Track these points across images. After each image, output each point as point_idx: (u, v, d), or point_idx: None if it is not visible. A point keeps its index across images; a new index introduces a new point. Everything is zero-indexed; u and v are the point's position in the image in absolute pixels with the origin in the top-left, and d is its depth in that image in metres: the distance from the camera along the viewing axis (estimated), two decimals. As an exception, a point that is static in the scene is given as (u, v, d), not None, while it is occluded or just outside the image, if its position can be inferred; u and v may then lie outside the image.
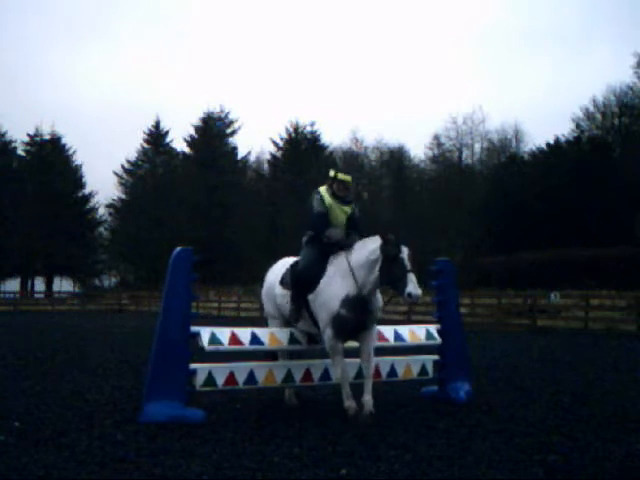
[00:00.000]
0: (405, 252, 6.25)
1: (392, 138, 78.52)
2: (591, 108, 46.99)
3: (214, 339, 6.51)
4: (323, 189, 6.91)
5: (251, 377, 6.62)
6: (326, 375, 7.01)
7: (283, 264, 7.29)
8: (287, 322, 7.11)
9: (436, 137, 55.22)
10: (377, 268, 6.33)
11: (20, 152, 58.69)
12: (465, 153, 56.34)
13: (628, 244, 34.60)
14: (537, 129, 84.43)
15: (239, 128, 60.14)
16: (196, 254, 6.64)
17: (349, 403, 6.39)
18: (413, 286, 6.08)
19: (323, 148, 58.66)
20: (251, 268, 54.17)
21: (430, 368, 7.58)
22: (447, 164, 55.37)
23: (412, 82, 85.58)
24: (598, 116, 47.09)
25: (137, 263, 57.99)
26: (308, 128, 58.09)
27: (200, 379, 6.36)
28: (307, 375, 6.93)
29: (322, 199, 6.83)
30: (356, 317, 6.39)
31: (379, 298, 6.74)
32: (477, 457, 5.02)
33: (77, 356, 12.22)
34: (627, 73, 58.89)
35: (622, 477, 4.62)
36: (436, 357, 7.62)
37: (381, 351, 7.26)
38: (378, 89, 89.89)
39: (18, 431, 5.77)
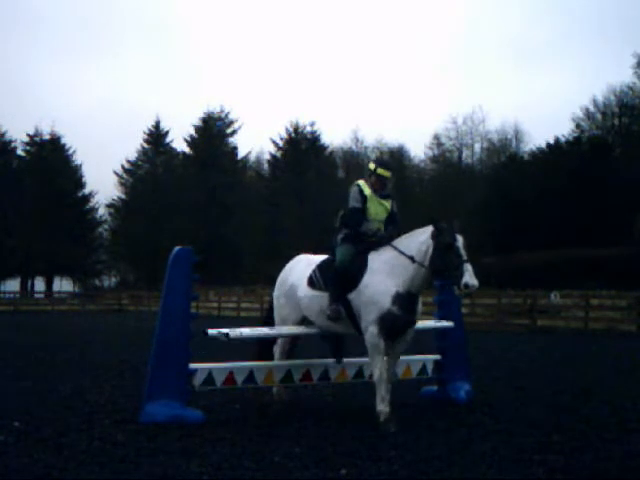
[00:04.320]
0: (460, 240, 5.98)
1: (392, 138, 78.51)
2: (591, 108, 47.03)
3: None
4: (363, 182, 6.59)
5: (251, 377, 6.61)
6: (325, 375, 6.99)
7: (307, 263, 6.89)
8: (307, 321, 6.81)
9: (436, 137, 55.30)
10: (428, 260, 6.06)
11: (20, 152, 58.76)
12: (465, 153, 56.40)
13: (628, 244, 34.59)
14: (537, 129, 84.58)
15: (239, 128, 60.22)
16: (196, 254, 6.63)
17: (382, 407, 6.08)
18: (470, 276, 5.80)
19: (323, 148, 58.67)
20: (251, 268, 54.31)
21: (430, 368, 7.58)
22: (447, 164, 55.40)
23: (412, 82, 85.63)
24: (598, 116, 47.10)
25: (137, 263, 58.02)
26: (308, 128, 58.14)
27: (200, 379, 6.36)
28: (307, 375, 6.91)
29: (360, 192, 6.50)
30: (405, 314, 6.12)
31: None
32: (477, 457, 5.02)
33: (77, 356, 12.22)
34: (627, 73, 58.91)
35: (622, 477, 4.62)
36: (436, 357, 7.62)
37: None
38: (378, 89, 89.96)
39: (18, 431, 5.77)
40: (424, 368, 7.53)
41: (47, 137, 58.09)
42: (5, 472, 4.56)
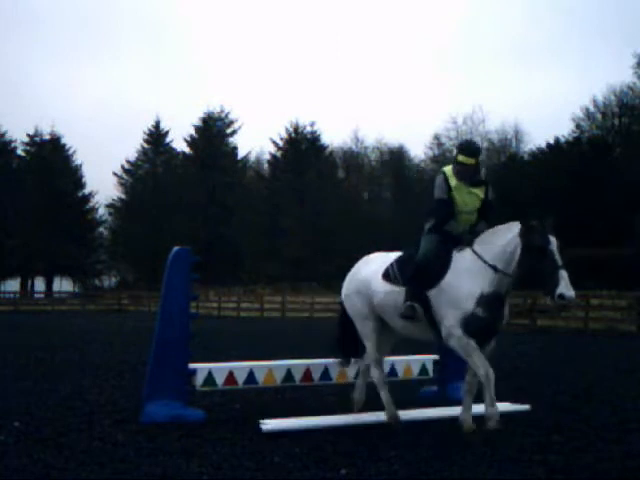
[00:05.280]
0: (554, 243, 5.26)
1: (392, 138, 78.55)
2: (591, 108, 47.03)
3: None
4: (449, 169, 5.96)
5: (251, 377, 6.61)
6: (326, 375, 6.99)
7: (382, 260, 6.26)
8: (383, 323, 6.24)
9: (436, 137, 55.33)
10: (513, 267, 5.43)
11: (20, 152, 58.78)
12: (465, 153, 56.30)
13: (628, 244, 34.57)
14: (537, 129, 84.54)
15: (239, 128, 60.28)
16: (195, 254, 6.64)
17: (493, 411, 5.44)
18: (566, 286, 5.09)
19: (323, 148, 58.68)
20: (251, 268, 54.32)
21: (430, 368, 7.57)
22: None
23: (412, 82, 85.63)
24: (598, 116, 47.09)
25: (137, 263, 58.05)
26: (308, 128, 58.16)
27: (200, 379, 6.36)
28: (307, 375, 6.91)
29: (445, 181, 5.87)
30: (491, 319, 5.52)
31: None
32: (477, 457, 5.02)
33: (77, 356, 12.22)
34: (627, 73, 58.91)
35: (622, 477, 4.62)
36: (436, 357, 7.62)
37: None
38: (378, 89, 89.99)
39: (18, 431, 5.77)
40: (424, 368, 7.52)
41: (47, 137, 58.18)
42: (5, 472, 4.56)
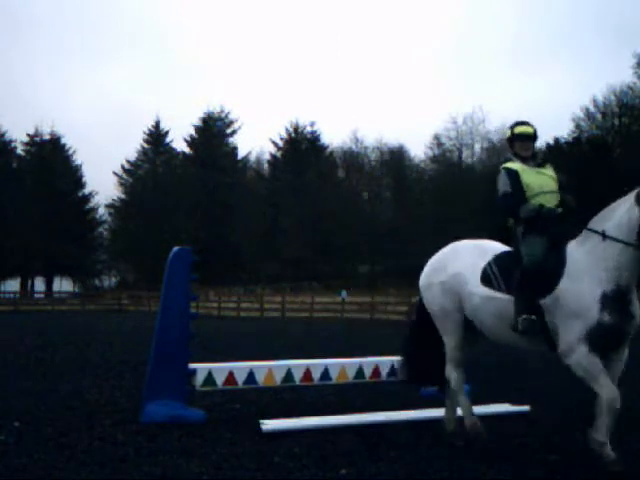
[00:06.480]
0: None
1: (392, 138, 78.51)
2: (591, 108, 47.03)
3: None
4: (507, 164, 5.44)
5: (251, 377, 6.61)
6: (326, 375, 6.98)
7: (477, 251, 5.52)
8: (472, 328, 5.55)
9: (436, 137, 55.41)
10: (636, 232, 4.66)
11: (20, 152, 58.80)
12: (465, 153, 56.49)
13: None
14: (537, 129, 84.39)
15: (239, 128, 60.36)
16: (195, 254, 6.64)
17: (602, 438, 4.84)
18: None
19: (323, 148, 58.73)
20: (251, 268, 54.35)
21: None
22: (447, 164, 55.43)
23: (412, 82, 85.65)
24: (598, 116, 47.11)
25: (137, 263, 58.07)
26: (308, 128, 58.28)
27: (200, 379, 6.36)
28: (307, 375, 6.91)
29: (508, 174, 5.32)
30: (620, 324, 4.71)
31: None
32: (477, 457, 5.02)
33: (77, 356, 12.22)
34: (627, 73, 58.86)
35: (622, 477, 4.62)
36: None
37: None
38: (378, 89, 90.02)
39: (18, 431, 5.77)
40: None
41: (47, 137, 58.20)
42: (5, 472, 4.56)
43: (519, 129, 5.45)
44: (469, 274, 5.39)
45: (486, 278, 5.27)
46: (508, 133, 5.56)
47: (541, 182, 5.31)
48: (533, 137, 5.49)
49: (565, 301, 4.81)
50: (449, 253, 5.71)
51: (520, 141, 5.44)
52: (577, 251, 4.95)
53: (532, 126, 5.52)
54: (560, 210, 5.25)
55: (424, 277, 5.80)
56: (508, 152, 5.63)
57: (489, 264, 5.31)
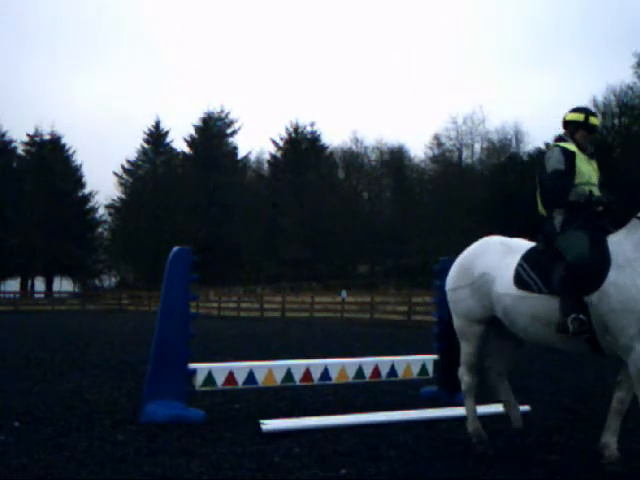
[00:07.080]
0: None
1: (392, 138, 78.56)
2: (591, 108, 46.98)
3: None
4: (563, 143, 5.14)
5: (251, 377, 6.61)
6: (326, 375, 6.99)
7: (504, 249, 5.26)
8: (500, 330, 5.35)
9: (436, 137, 55.37)
10: None
11: (20, 152, 58.78)
12: (465, 153, 56.50)
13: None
14: (537, 129, 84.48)
15: (239, 128, 60.35)
16: (195, 254, 6.64)
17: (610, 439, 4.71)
18: None
19: (323, 148, 58.73)
20: (251, 268, 54.36)
21: (430, 368, 7.57)
22: (447, 164, 55.43)
23: (412, 82, 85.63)
24: (598, 116, 47.06)
25: (137, 263, 58.08)
26: (308, 128, 58.24)
27: (200, 379, 6.36)
28: (307, 375, 6.91)
29: (564, 152, 5.01)
30: None
31: None
32: (477, 457, 5.02)
33: (77, 356, 12.22)
34: (627, 73, 58.90)
35: (622, 477, 4.62)
36: (436, 357, 7.62)
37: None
38: (378, 89, 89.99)
39: (18, 431, 5.77)
40: (424, 368, 7.53)
41: (47, 137, 58.16)
42: (5, 472, 4.56)
43: (594, 120, 5.21)
44: (499, 274, 5.13)
45: (520, 279, 4.97)
46: (576, 117, 5.17)
47: (590, 172, 5.09)
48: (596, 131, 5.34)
49: (615, 295, 4.49)
50: (473, 253, 5.47)
51: (587, 131, 5.16)
52: (625, 242, 4.66)
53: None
54: (609, 198, 5.01)
55: (450, 280, 5.56)
56: (563, 133, 5.29)
57: (521, 266, 5.01)
